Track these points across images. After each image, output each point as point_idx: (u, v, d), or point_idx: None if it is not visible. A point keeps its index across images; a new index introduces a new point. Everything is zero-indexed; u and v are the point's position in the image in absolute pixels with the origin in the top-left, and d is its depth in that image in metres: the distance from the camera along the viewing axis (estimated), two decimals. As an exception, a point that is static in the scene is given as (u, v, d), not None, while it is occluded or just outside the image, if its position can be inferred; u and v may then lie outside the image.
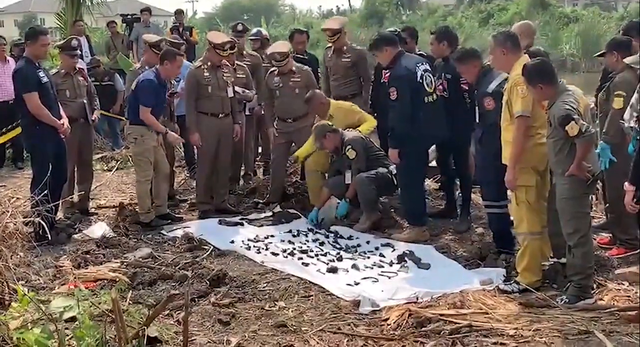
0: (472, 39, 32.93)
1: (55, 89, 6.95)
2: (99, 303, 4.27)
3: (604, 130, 5.61)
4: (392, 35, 6.82)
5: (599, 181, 5.28)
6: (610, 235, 6.08)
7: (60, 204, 6.77)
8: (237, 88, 7.85)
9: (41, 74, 6.67)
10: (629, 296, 4.90)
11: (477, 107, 5.85)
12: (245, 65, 8.34)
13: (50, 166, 6.31)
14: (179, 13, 14.85)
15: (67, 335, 3.99)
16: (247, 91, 8.14)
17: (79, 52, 7.74)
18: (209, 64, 7.53)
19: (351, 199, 7.14)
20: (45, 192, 4.81)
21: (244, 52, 8.59)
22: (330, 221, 7.20)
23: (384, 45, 6.51)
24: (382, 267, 5.88)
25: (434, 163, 7.48)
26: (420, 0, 55.97)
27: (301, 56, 8.47)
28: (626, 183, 4.55)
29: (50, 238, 5.92)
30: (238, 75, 8.07)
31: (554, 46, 31.68)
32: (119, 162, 10.30)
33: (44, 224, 4.93)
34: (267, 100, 8.04)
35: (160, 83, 7.20)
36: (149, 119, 7.07)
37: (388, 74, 6.58)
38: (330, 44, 8.25)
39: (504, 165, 5.28)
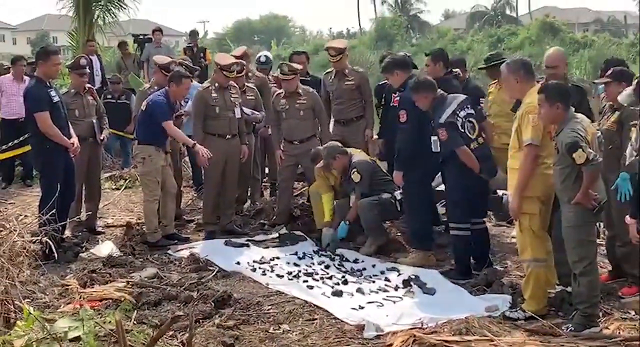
0: (481, 62, 33.03)
1: (66, 108, 7.01)
2: (104, 323, 4.28)
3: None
4: (404, 59, 6.92)
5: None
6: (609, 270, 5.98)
7: (68, 222, 6.84)
8: (246, 109, 7.91)
9: (52, 93, 6.74)
10: (634, 325, 4.88)
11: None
12: (254, 87, 8.41)
13: (59, 185, 6.37)
14: (193, 34, 14.98)
15: (72, 355, 4.01)
16: (256, 112, 8.20)
17: (87, 70, 7.83)
18: (216, 85, 7.60)
19: (352, 222, 7.15)
20: (53, 211, 4.84)
21: (249, 74, 8.64)
22: (335, 244, 7.23)
23: (395, 69, 6.62)
24: (387, 291, 5.88)
25: (442, 187, 7.50)
26: (431, 24, 56.31)
27: (303, 78, 8.48)
28: (627, 217, 4.56)
29: (57, 257, 5.95)
30: (248, 97, 8.13)
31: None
32: (127, 181, 10.36)
33: (51, 243, 4.96)
34: (273, 122, 8.09)
35: (169, 104, 7.29)
36: (174, 131, 7.21)
37: (398, 98, 6.64)
38: (330, 69, 8.31)
39: (472, 186, 5.51)
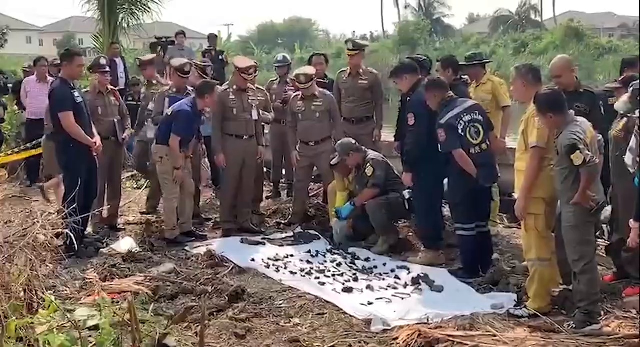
0: (505, 67, 33.00)
1: (88, 108, 7.24)
2: (120, 310, 4.50)
3: None
4: (412, 63, 7.11)
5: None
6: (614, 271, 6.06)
7: (90, 219, 7.07)
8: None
9: (76, 94, 6.97)
10: (634, 324, 5.00)
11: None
12: (264, 89, 8.61)
13: (82, 182, 6.59)
14: (213, 38, 15.23)
15: (90, 342, 4.23)
16: (266, 114, 8.40)
17: (108, 69, 8.02)
18: (234, 87, 7.83)
19: (357, 206, 7.31)
20: (74, 205, 5.07)
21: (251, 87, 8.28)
22: (340, 234, 7.44)
23: (404, 73, 6.82)
24: (397, 288, 6.06)
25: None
26: (454, 28, 56.15)
27: (321, 80, 8.69)
28: (631, 220, 4.70)
29: (77, 250, 6.16)
30: (258, 98, 8.24)
31: (589, 77, 31.68)
32: (148, 181, 10.56)
33: (72, 236, 5.19)
34: (290, 123, 8.28)
35: (195, 113, 7.49)
36: (174, 148, 7.35)
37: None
38: (345, 69, 8.51)
39: (471, 190, 5.73)
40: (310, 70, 8.15)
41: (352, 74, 8.36)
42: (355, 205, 7.34)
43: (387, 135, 8.92)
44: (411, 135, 6.62)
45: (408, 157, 6.70)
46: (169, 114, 7.50)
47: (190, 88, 8.12)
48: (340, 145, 7.52)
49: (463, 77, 7.38)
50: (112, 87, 8.20)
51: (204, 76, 8.48)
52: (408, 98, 6.93)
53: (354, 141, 7.57)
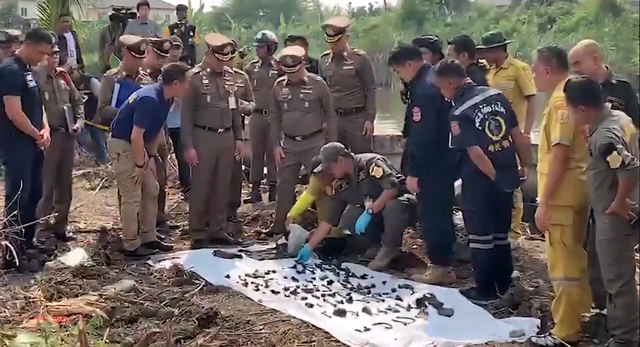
0: (528, 47, 33.03)
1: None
2: (69, 337, 4.49)
3: None
4: (414, 48, 7.11)
5: None
6: None
7: (35, 225, 7.05)
8: (237, 99, 8.10)
9: (29, 77, 6.98)
10: (678, 356, 5.04)
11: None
12: (244, 73, 8.59)
13: (23, 181, 6.56)
14: (182, 9, 15.20)
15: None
16: (245, 102, 8.38)
17: (57, 47, 7.96)
18: (208, 70, 7.81)
19: (375, 213, 7.22)
20: (15, 212, 5.05)
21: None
22: (296, 248, 7.45)
23: (406, 59, 6.78)
24: (398, 311, 6.05)
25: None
26: (469, 0, 56.15)
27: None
28: None
29: (19, 265, 6.13)
30: (236, 84, 8.24)
31: (626, 59, 31.70)
32: (103, 180, 10.55)
33: (12, 248, 5.16)
34: (273, 114, 8.26)
35: (161, 102, 7.45)
36: (137, 142, 7.32)
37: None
38: (327, 51, 8.53)
39: (490, 194, 5.80)
40: (298, 51, 8.13)
41: (335, 58, 8.38)
42: (374, 212, 7.24)
43: (387, 127, 8.94)
44: (417, 133, 6.62)
45: (413, 159, 6.70)
46: (130, 101, 7.48)
47: (143, 71, 8.10)
48: (326, 150, 7.46)
49: (480, 61, 7.39)
50: (61, 69, 8.16)
51: (162, 54, 8.44)
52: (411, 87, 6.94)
53: (342, 145, 7.57)
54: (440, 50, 7.77)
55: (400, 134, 8.61)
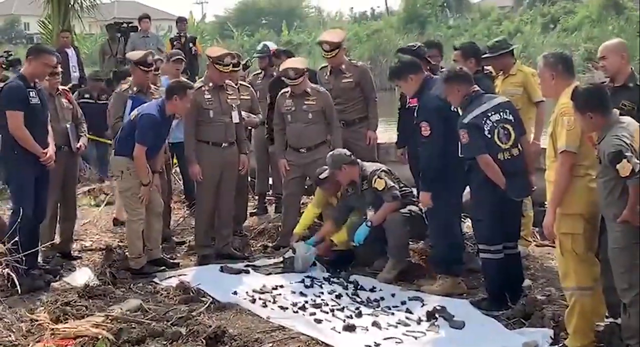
0: (532, 47, 33.01)
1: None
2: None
3: None
4: (414, 60, 7.07)
5: None
6: None
7: (40, 246, 7.01)
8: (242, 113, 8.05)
9: (32, 94, 6.95)
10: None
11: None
12: (249, 85, 8.54)
13: (27, 200, 6.52)
14: (181, 21, 15.17)
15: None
16: (252, 116, 8.32)
17: (60, 69, 7.92)
18: (210, 84, 7.77)
19: (375, 225, 7.19)
20: (16, 238, 5.00)
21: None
22: (304, 262, 7.40)
23: (408, 74, 6.78)
24: (408, 325, 5.99)
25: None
26: (471, 2, 56.16)
27: None
28: None
29: (20, 291, 6.08)
30: (242, 97, 8.25)
31: (631, 56, 31.60)
32: (108, 197, 10.51)
33: (13, 276, 5.11)
34: (277, 126, 8.23)
35: (162, 118, 7.39)
36: (140, 159, 7.26)
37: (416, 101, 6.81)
38: (325, 64, 8.50)
39: (499, 203, 5.79)
40: (301, 63, 8.09)
41: (333, 72, 8.34)
42: (373, 225, 7.19)
43: (393, 133, 8.87)
44: (426, 148, 6.55)
45: (425, 176, 6.63)
46: (132, 118, 7.43)
47: (153, 86, 8.06)
48: (332, 156, 7.45)
49: (486, 68, 7.32)
50: (64, 87, 8.15)
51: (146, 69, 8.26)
52: (408, 102, 6.92)
53: (348, 153, 7.51)
54: (440, 47, 7.79)
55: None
